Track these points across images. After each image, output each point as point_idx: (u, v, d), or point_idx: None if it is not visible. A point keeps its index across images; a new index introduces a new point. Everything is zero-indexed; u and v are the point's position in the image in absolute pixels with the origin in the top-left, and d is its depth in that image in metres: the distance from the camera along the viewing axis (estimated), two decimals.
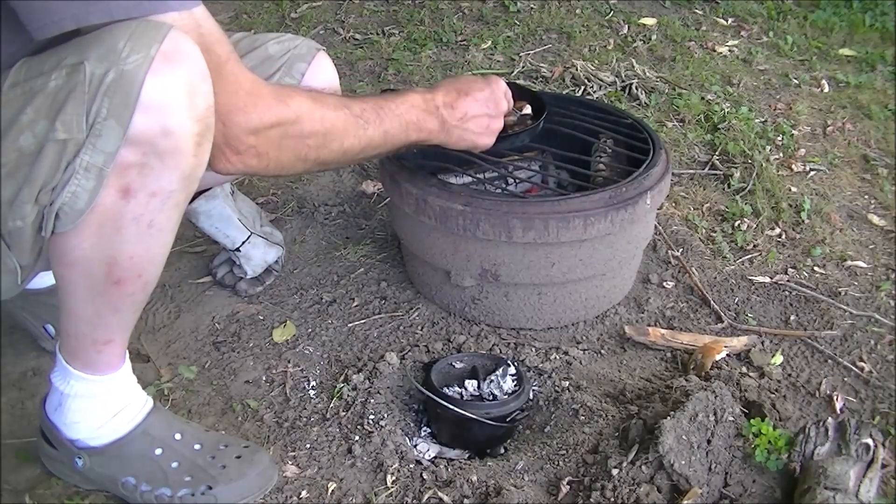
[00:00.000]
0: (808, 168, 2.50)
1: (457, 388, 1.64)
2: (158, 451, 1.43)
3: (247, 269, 1.95)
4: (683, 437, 1.43)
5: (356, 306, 1.96)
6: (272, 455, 1.55)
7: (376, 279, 2.05)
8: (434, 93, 1.51)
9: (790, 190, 2.40)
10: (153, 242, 1.25)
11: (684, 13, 3.45)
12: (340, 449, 1.58)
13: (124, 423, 1.43)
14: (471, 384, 1.65)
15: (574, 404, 1.67)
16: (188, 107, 1.15)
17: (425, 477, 1.53)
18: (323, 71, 1.71)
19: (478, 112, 1.54)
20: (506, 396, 1.62)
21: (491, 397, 1.62)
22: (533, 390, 1.72)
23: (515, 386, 1.64)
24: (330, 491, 1.50)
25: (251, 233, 1.92)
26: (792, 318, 1.95)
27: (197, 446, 1.46)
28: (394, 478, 1.52)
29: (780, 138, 2.63)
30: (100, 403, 1.41)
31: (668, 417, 1.45)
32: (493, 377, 1.65)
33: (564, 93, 2.82)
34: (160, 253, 1.28)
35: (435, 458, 1.62)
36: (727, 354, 1.79)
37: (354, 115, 1.39)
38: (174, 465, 1.43)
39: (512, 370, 1.67)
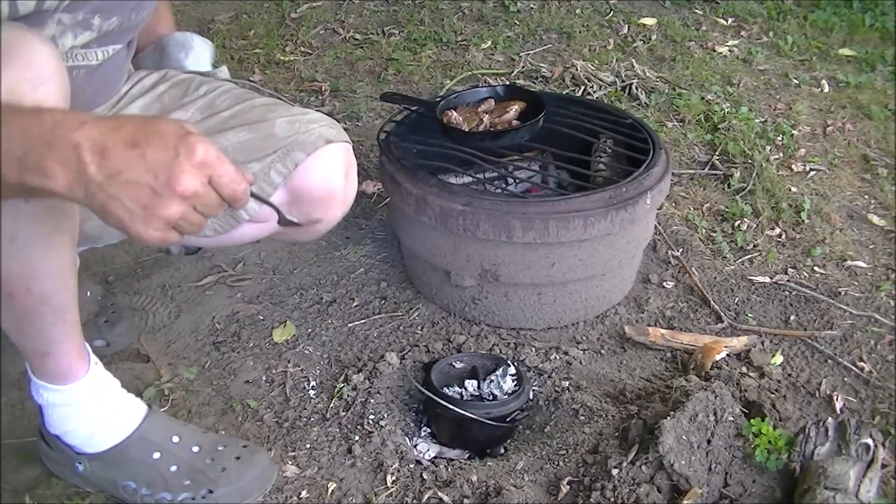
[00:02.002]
0: (808, 168, 2.50)
1: (457, 388, 1.64)
2: (157, 455, 1.43)
3: None
4: (683, 437, 1.43)
5: (356, 306, 1.96)
6: (271, 454, 1.55)
7: (376, 279, 2.05)
8: (89, 124, 0.93)
9: (790, 190, 2.40)
10: (24, 256, 1.17)
11: (684, 13, 3.45)
12: (340, 449, 1.58)
13: (118, 429, 1.42)
14: (471, 384, 1.65)
15: (574, 404, 1.67)
16: None
17: (425, 477, 1.53)
18: (323, 168, 1.47)
19: (138, 178, 0.93)
20: (506, 396, 1.62)
21: (491, 397, 1.62)
22: (533, 390, 1.72)
23: (515, 386, 1.64)
24: (330, 491, 1.50)
25: None
26: (792, 318, 1.95)
27: (195, 448, 1.46)
28: (394, 478, 1.52)
29: (780, 138, 2.63)
30: (79, 412, 1.40)
31: (668, 417, 1.45)
32: (493, 377, 1.65)
33: (564, 93, 2.82)
34: (42, 267, 1.19)
35: (435, 458, 1.62)
36: (727, 354, 1.79)
37: None
38: (173, 468, 1.43)
39: (512, 370, 1.66)
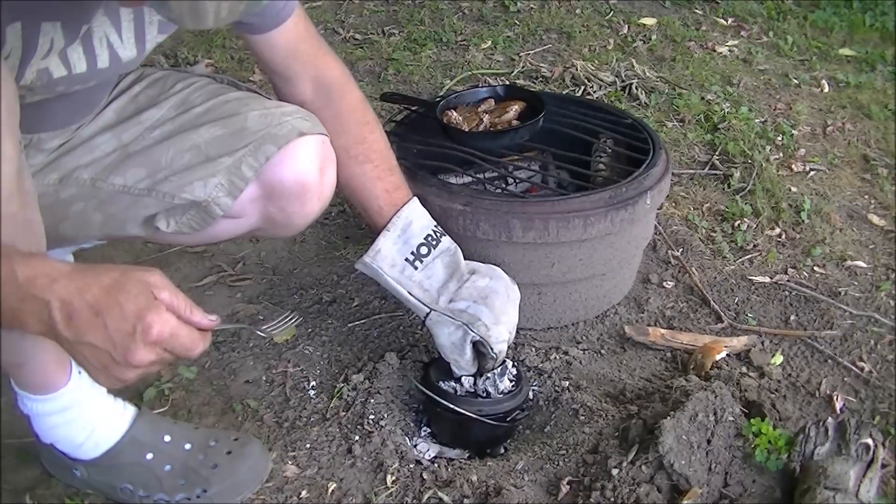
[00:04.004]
0: (808, 168, 2.50)
1: (452, 384, 1.64)
2: (149, 456, 1.43)
3: None
4: (683, 437, 1.43)
5: (356, 306, 1.96)
6: (271, 454, 1.55)
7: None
8: (59, 282, 0.99)
9: (790, 190, 2.40)
10: None
11: (684, 13, 3.45)
12: (340, 449, 1.58)
13: (107, 435, 1.42)
14: (467, 380, 1.63)
15: (574, 404, 1.67)
16: None
17: (425, 477, 1.53)
18: (296, 161, 1.45)
19: (99, 344, 1.01)
20: (500, 395, 1.61)
21: (485, 394, 1.62)
22: (533, 390, 1.72)
23: (513, 386, 1.64)
24: (330, 491, 1.50)
25: None
26: (792, 318, 1.95)
27: (187, 446, 1.46)
28: (394, 478, 1.52)
29: (780, 138, 2.63)
30: (66, 421, 1.40)
31: (668, 417, 1.45)
32: (489, 375, 1.64)
33: (564, 93, 2.82)
34: None
35: (435, 458, 1.62)
36: (727, 354, 1.79)
37: None
38: (167, 468, 1.43)
39: (513, 371, 1.66)
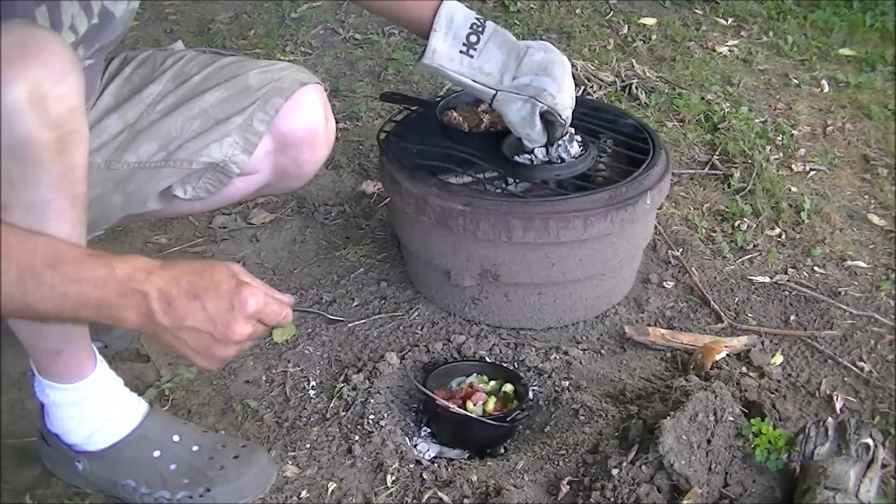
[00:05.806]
0: (808, 168, 2.50)
1: (528, 156, 1.77)
2: (157, 454, 1.43)
3: None
4: (683, 437, 1.43)
5: (356, 306, 1.96)
6: (271, 453, 1.55)
7: (376, 279, 2.05)
8: (155, 274, 1.08)
9: (790, 190, 2.40)
10: None
11: (684, 13, 3.45)
12: (340, 449, 1.58)
13: (118, 427, 1.43)
14: (540, 151, 1.76)
15: (574, 404, 1.67)
16: (36, 115, 1.07)
17: (425, 477, 1.53)
18: (303, 110, 1.58)
19: (200, 326, 1.09)
20: (573, 159, 1.77)
21: (559, 160, 1.76)
22: (533, 390, 1.72)
23: (581, 150, 1.79)
24: (330, 491, 1.50)
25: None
26: (792, 318, 1.95)
27: (195, 447, 1.46)
28: (394, 478, 1.52)
29: (780, 138, 2.63)
30: (83, 411, 1.41)
31: (668, 417, 1.45)
32: (560, 142, 1.75)
33: None
34: None
35: (435, 458, 1.62)
36: (727, 354, 1.79)
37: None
38: (172, 467, 1.43)
39: (578, 137, 1.79)
